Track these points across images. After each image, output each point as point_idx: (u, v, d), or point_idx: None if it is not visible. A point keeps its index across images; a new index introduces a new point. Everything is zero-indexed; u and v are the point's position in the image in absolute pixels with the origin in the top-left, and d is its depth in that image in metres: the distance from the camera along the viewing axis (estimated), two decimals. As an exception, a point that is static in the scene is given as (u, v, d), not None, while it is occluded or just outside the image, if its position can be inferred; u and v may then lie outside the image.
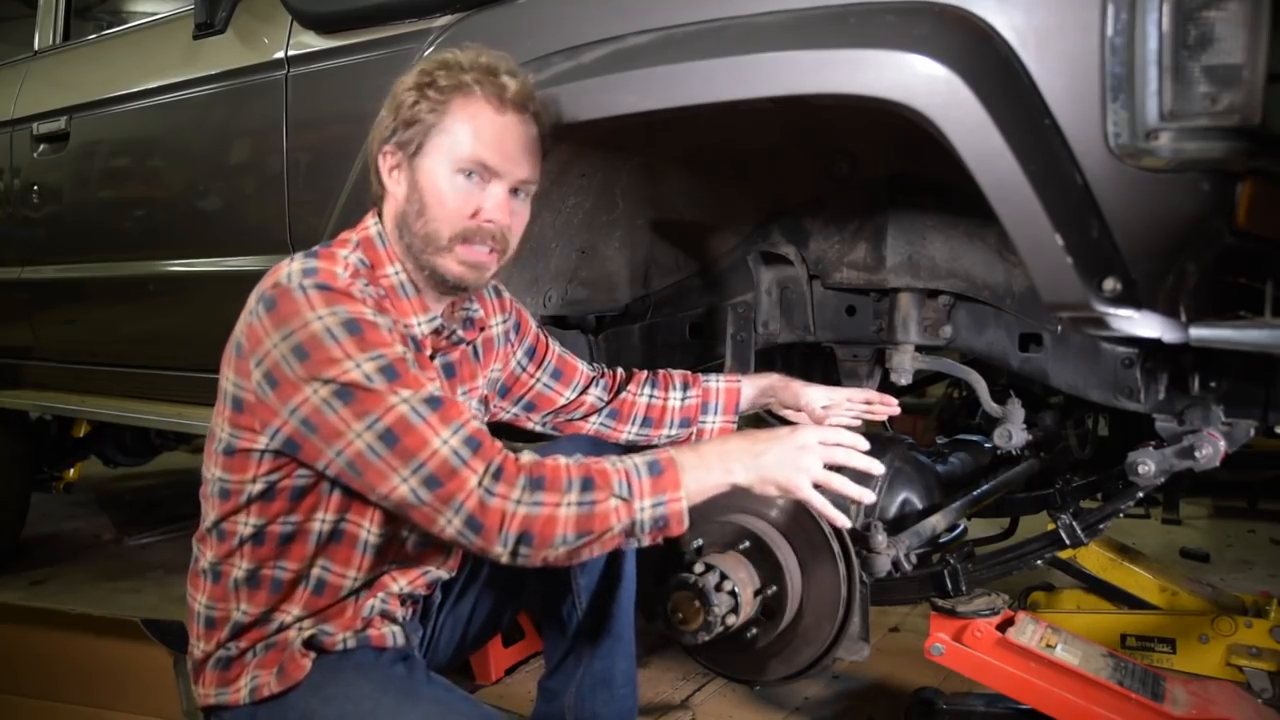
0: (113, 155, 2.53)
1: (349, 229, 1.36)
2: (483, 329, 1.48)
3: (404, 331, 1.27)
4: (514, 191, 1.32)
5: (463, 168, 1.28)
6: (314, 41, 1.95)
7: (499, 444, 1.18)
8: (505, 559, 1.15)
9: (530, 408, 1.64)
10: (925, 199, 1.60)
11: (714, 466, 1.22)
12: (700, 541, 1.54)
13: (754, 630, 1.53)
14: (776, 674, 1.61)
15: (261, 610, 1.29)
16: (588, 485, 1.16)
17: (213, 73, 2.17)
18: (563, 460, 1.19)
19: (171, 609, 2.50)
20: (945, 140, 1.15)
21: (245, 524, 1.27)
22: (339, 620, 1.31)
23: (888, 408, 1.67)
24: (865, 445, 1.28)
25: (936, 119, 1.14)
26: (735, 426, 1.70)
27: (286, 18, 1.97)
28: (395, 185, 1.31)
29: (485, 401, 1.54)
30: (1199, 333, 1.12)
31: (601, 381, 1.68)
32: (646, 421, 1.68)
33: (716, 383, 1.71)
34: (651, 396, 1.68)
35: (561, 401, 1.64)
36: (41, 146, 2.68)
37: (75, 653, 1.72)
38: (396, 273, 1.32)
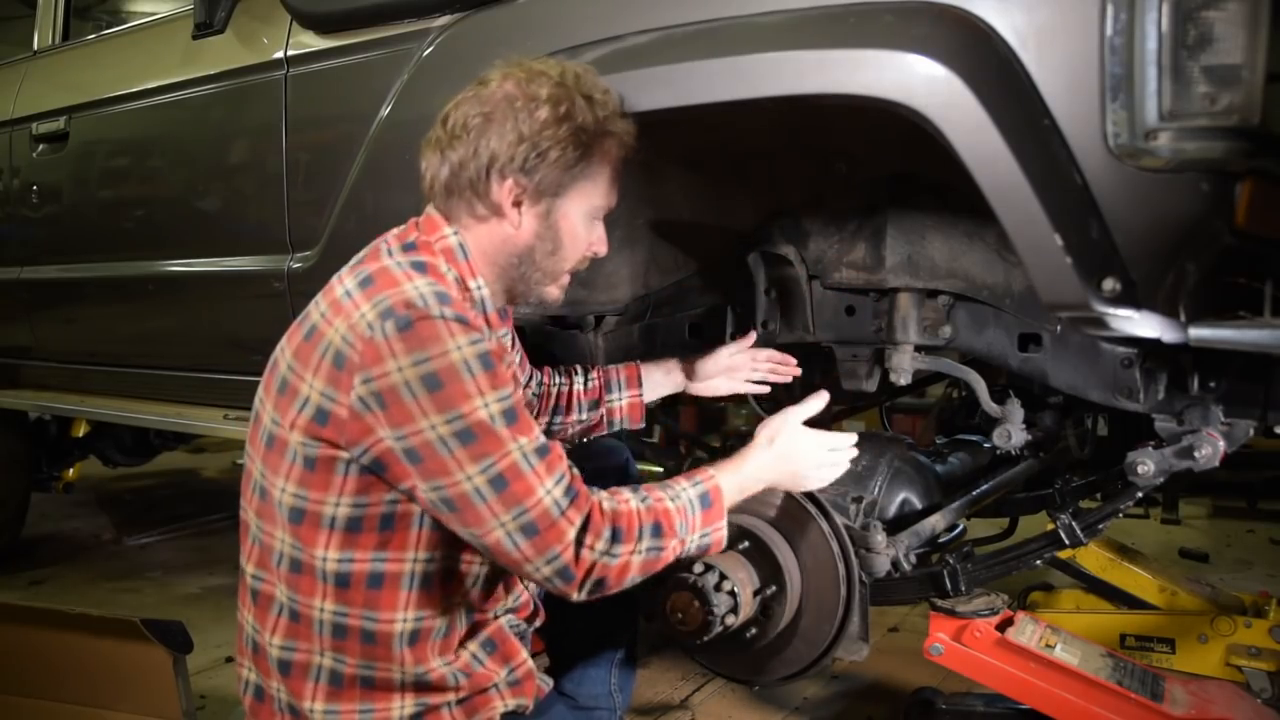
0: (112, 155, 2.53)
1: (415, 229, 1.29)
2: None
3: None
4: None
5: (596, 214, 1.33)
6: (313, 41, 1.95)
7: (585, 488, 1.21)
8: (576, 599, 1.20)
9: None
10: (925, 199, 1.60)
11: (750, 490, 1.36)
12: (700, 541, 1.54)
13: (753, 630, 1.53)
14: (776, 674, 1.61)
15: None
16: (657, 531, 1.23)
17: (212, 73, 2.17)
18: (633, 503, 1.23)
19: (171, 609, 2.51)
20: (945, 140, 1.15)
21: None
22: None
23: (789, 368, 1.78)
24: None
25: (936, 119, 1.15)
26: (643, 400, 1.76)
27: (286, 18, 1.97)
28: (517, 216, 1.27)
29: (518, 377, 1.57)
30: (1198, 333, 1.12)
31: (538, 373, 1.72)
32: (558, 409, 1.72)
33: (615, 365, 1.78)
34: (560, 384, 1.73)
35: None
36: (41, 146, 2.67)
37: (75, 653, 1.71)
38: (479, 288, 1.30)
